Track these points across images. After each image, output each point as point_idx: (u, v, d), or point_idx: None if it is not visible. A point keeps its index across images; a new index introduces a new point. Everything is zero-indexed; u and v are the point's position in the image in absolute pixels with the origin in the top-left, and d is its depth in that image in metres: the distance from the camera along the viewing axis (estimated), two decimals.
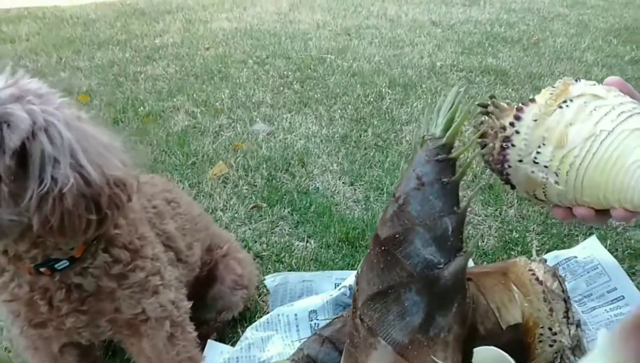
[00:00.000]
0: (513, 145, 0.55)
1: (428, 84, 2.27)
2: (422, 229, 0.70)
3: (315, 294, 1.00)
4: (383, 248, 0.72)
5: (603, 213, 0.51)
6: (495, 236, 1.28)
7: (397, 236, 0.71)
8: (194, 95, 2.19)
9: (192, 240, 0.86)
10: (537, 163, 0.53)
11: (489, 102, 0.66)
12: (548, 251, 1.18)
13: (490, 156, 0.61)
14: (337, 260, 1.19)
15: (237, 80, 2.39)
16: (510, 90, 2.19)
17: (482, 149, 0.63)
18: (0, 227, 0.55)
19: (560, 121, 0.51)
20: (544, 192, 0.54)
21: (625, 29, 3.20)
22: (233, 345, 0.93)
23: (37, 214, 0.55)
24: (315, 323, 0.92)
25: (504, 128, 0.57)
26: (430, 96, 2.13)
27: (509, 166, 0.57)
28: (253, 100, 2.16)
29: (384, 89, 2.21)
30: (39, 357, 0.76)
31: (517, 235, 1.27)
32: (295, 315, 0.92)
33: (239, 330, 0.98)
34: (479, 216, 1.36)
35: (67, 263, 0.65)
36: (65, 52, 2.85)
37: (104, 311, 0.69)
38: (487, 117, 0.65)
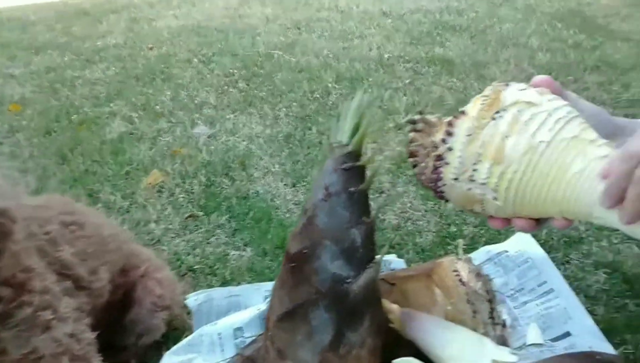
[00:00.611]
0: (447, 163, 0.53)
1: (375, 77, 2.25)
2: (329, 242, 0.67)
3: (245, 308, 0.97)
4: (292, 264, 0.69)
5: (542, 221, 0.51)
6: (434, 232, 1.27)
7: (305, 251, 0.68)
8: (133, 99, 2.10)
9: (97, 264, 0.80)
10: (473, 180, 0.51)
11: (417, 118, 0.63)
12: (485, 244, 1.18)
13: (422, 174, 0.59)
14: (274, 268, 1.16)
15: (180, 81, 2.30)
16: (455, 80, 2.19)
17: (413, 168, 0.61)
18: None
19: (495, 135, 0.49)
20: (481, 207, 0.53)
21: (569, 13, 3.25)
22: None
23: None
24: (241, 341, 0.89)
25: (435, 146, 0.55)
26: (376, 90, 2.11)
27: (444, 185, 0.55)
28: (196, 101, 2.09)
29: (330, 84, 2.17)
30: None
31: (455, 229, 1.27)
32: (219, 334, 0.88)
33: (163, 352, 0.93)
34: (419, 212, 1.35)
35: None
36: None
37: None
38: (416, 135, 0.62)
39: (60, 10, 3.96)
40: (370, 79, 2.23)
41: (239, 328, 0.89)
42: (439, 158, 0.54)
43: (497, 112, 0.51)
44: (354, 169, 0.71)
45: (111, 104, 2.04)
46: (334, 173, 0.70)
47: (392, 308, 0.78)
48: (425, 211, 1.35)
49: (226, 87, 2.22)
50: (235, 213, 1.36)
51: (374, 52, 2.60)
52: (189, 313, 1.01)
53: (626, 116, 1.95)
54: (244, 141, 1.76)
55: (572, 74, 2.26)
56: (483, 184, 0.50)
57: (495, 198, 0.50)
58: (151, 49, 2.78)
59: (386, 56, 2.53)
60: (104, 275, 0.82)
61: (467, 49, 2.62)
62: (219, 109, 2.01)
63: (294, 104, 2.01)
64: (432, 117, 0.61)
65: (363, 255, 0.68)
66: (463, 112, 0.54)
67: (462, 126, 0.52)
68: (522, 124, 0.49)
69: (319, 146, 1.70)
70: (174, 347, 0.86)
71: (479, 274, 0.85)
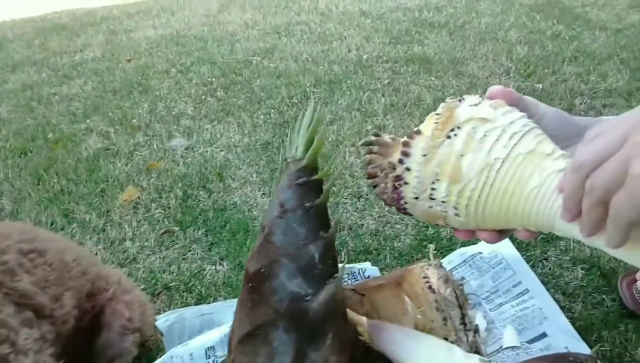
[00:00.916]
0: (406, 183, 0.53)
1: (353, 80, 2.24)
2: (286, 260, 0.66)
3: (218, 325, 0.95)
4: (250, 284, 0.68)
5: (505, 232, 0.51)
6: (412, 235, 1.26)
7: (262, 270, 0.66)
8: (110, 113, 2.08)
9: (60, 291, 0.79)
10: (433, 198, 0.51)
11: (373, 140, 0.61)
12: (461, 246, 1.17)
13: (383, 194, 0.58)
14: None
15: (158, 92, 2.29)
16: (433, 78, 2.18)
17: (374, 188, 0.59)
18: None
19: (451, 154, 0.49)
20: (445, 222, 0.53)
21: (547, 4, 3.26)
22: None
23: None
24: (213, 360, 0.87)
25: (393, 167, 0.54)
26: (355, 92, 2.10)
27: (405, 203, 0.54)
28: (173, 113, 2.07)
29: (308, 89, 2.16)
30: None
31: (432, 231, 1.26)
32: (191, 354, 0.87)
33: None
34: (397, 215, 1.34)
35: None
36: None
37: None
38: (372, 156, 0.60)
39: (37, 26, 3.92)
40: (349, 82, 2.22)
41: (211, 348, 0.88)
42: (398, 178, 0.53)
43: (452, 130, 0.50)
44: (309, 183, 0.69)
45: (87, 120, 2.02)
46: (289, 188, 0.69)
47: (361, 320, 0.77)
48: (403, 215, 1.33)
49: (204, 96, 2.20)
50: (212, 227, 1.35)
51: (353, 54, 2.59)
52: (162, 334, 1.00)
53: (604, 106, 1.95)
54: (221, 151, 1.74)
55: (550, 66, 2.26)
56: (443, 202, 0.50)
57: (456, 214, 0.50)
58: (129, 60, 2.76)
59: (365, 57, 2.53)
60: (68, 302, 0.81)
61: (446, 46, 2.62)
62: (197, 120, 1.99)
63: (272, 110, 2.00)
64: (387, 138, 0.60)
65: (322, 270, 0.66)
66: (418, 132, 0.53)
67: (418, 145, 0.52)
68: (477, 142, 0.48)
69: None
70: None
71: (447, 279, 0.84)
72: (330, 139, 1.75)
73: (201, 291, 1.12)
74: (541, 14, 3.07)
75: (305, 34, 3.05)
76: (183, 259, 1.24)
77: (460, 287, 0.86)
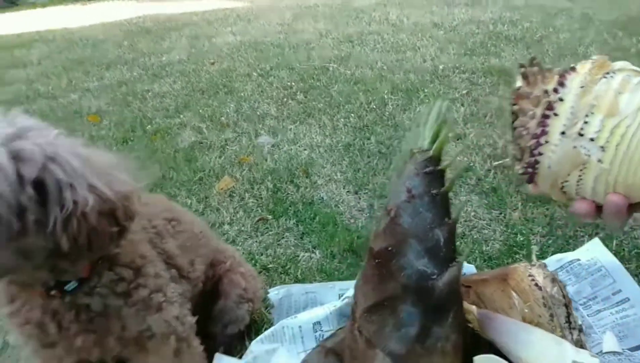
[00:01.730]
0: (556, 114, 0.50)
1: (431, 88, 2.28)
2: (414, 241, 0.72)
3: (320, 305, 1.02)
4: (377, 261, 0.74)
5: (633, 208, 0.48)
6: (500, 240, 1.28)
7: (389, 248, 0.73)
8: (200, 110, 2.24)
9: (194, 257, 0.88)
10: (582, 135, 0.48)
11: (528, 63, 0.56)
12: (553, 253, 1.18)
13: (524, 129, 0.53)
14: (343, 270, 1.21)
15: (242, 93, 2.43)
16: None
17: (514, 120, 0.55)
18: (31, 253, 0.59)
19: (609, 90, 0.48)
20: (579, 177, 0.50)
21: (630, 21, 3.16)
22: (240, 358, 0.95)
23: (65, 235, 0.59)
24: (320, 335, 0.94)
25: (547, 93, 0.51)
26: (433, 100, 2.13)
27: (546, 142, 0.51)
28: (258, 113, 2.19)
29: (386, 95, 2.22)
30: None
31: (521, 238, 1.27)
32: (300, 327, 0.94)
33: (246, 343, 1.00)
34: (484, 221, 1.36)
35: (76, 284, 0.69)
36: (75, 74, 2.93)
37: (111, 330, 0.72)
38: (524, 83, 0.54)
39: (125, 29, 4.24)
40: (426, 90, 2.26)
41: (318, 323, 0.95)
42: (549, 107, 0.51)
43: (608, 73, 0.51)
44: (435, 173, 0.75)
45: (180, 116, 2.18)
46: (417, 176, 0.75)
47: (470, 308, 0.81)
48: (490, 220, 1.36)
49: (285, 99, 2.32)
50: (302, 218, 1.43)
51: (428, 64, 2.63)
52: (267, 307, 1.08)
53: None
54: (305, 150, 1.83)
55: None
56: (592, 140, 0.48)
57: (600, 160, 0.48)
58: (213, 64, 2.94)
59: (441, 67, 2.56)
60: (199, 267, 0.90)
61: (524, 59, 2.60)
62: (280, 120, 2.10)
63: (352, 115, 2.07)
64: (544, 67, 0.59)
65: (445, 254, 0.72)
66: (573, 69, 0.53)
67: (575, 79, 0.51)
68: (633, 85, 0.49)
69: (378, 156, 1.74)
70: (260, 336, 0.93)
71: (554, 279, 0.87)
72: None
73: (297, 275, 1.20)
74: (624, 31, 2.98)
75: (378, 43, 3.13)
76: (278, 244, 1.33)
77: (565, 288, 0.89)
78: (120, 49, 3.54)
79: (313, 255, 1.28)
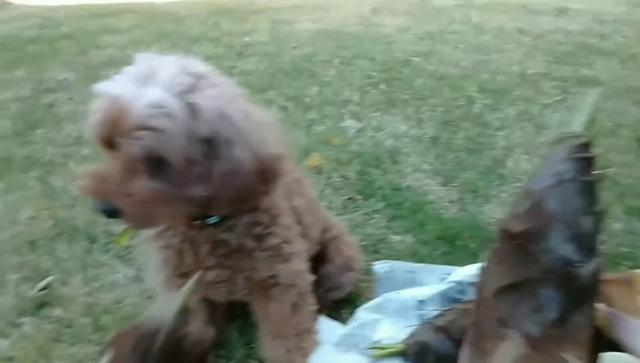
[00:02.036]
0: None
1: (520, 92, 2.22)
2: (560, 226, 0.70)
3: (418, 285, 1.02)
4: (515, 242, 0.73)
5: None
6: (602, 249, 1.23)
7: (531, 231, 0.71)
8: (284, 90, 2.28)
9: (312, 219, 0.90)
10: None
11: None
12: None
13: None
14: (435, 257, 1.20)
15: (324, 78, 2.45)
16: (610, 102, 2.09)
17: None
18: (191, 201, 0.62)
19: None
20: None
21: None
22: (345, 319, 0.97)
23: (221, 189, 0.62)
24: (423, 313, 0.94)
25: None
26: (524, 104, 2.08)
27: None
28: (340, 98, 2.20)
29: (473, 94, 2.18)
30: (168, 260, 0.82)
31: (625, 250, 1.22)
32: (404, 302, 0.94)
33: (343, 310, 1.02)
34: None
35: (218, 219, 0.72)
36: (164, 45, 3.05)
37: (242, 269, 0.75)
38: None
39: (207, 8, 4.36)
40: (516, 93, 2.20)
41: (422, 301, 0.95)
42: None
43: None
44: (586, 159, 0.73)
45: (266, 93, 2.23)
46: (567, 161, 0.73)
47: (598, 306, 0.79)
48: None
49: (368, 87, 2.32)
50: (391, 202, 1.43)
51: (515, 67, 2.56)
52: (377, 278, 1.08)
53: None
54: (389, 138, 1.83)
55: None
56: None
57: None
58: (295, 48, 2.98)
59: (529, 71, 2.48)
60: (315, 230, 0.92)
61: (618, 73, 2.49)
62: (363, 107, 2.11)
63: (438, 109, 2.05)
64: None
65: (592, 243, 0.70)
66: None
67: None
68: None
69: (466, 151, 1.72)
70: (365, 305, 0.94)
71: None
72: (500, 145, 1.76)
73: (388, 255, 1.20)
74: None
75: (460, 43, 3.07)
76: (367, 224, 1.34)
77: None
78: (204, 26, 3.65)
79: (404, 239, 1.27)
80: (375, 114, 2.04)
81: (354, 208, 1.41)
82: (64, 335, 0.99)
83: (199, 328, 0.60)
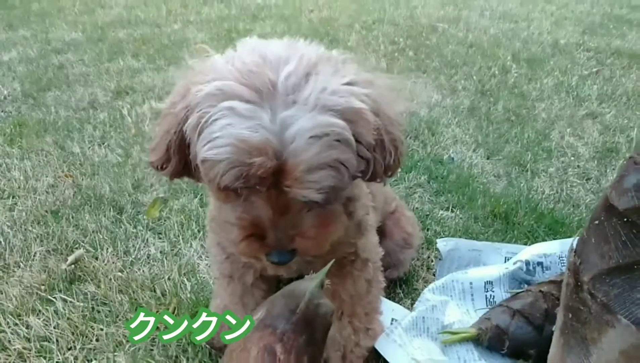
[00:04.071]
0: None
1: (555, 61, 2.11)
2: None
3: (483, 265, 0.95)
4: (625, 219, 0.65)
5: None
6: None
7: None
8: None
9: (376, 188, 0.82)
10: None
11: None
12: None
13: None
14: (489, 235, 1.12)
15: (347, 43, 2.32)
16: None
17: None
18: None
19: None
20: None
21: None
22: (400, 299, 0.91)
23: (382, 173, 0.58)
24: (490, 295, 0.87)
25: None
26: (560, 75, 1.98)
27: None
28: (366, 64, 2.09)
29: (507, 63, 2.08)
30: (231, 288, 0.76)
31: None
32: (471, 283, 0.88)
33: (399, 289, 0.95)
34: None
35: None
36: (173, 5, 2.89)
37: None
38: None
39: None
40: (551, 63, 2.10)
41: (489, 282, 0.88)
42: None
43: None
44: None
45: None
46: None
47: None
48: None
49: (395, 54, 2.20)
50: (434, 175, 1.35)
51: (546, 37, 2.45)
52: (441, 257, 1.00)
53: None
54: (423, 107, 1.73)
55: None
56: None
57: None
58: (312, 11, 2.83)
59: (562, 41, 2.37)
60: (380, 199, 0.84)
61: None
62: (393, 74, 2.00)
63: (473, 78, 1.94)
64: None
65: None
66: None
67: None
68: None
69: (507, 123, 1.63)
70: (430, 286, 0.87)
71: None
72: (542, 117, 1.67)
73: (439, 232, 1.13)
74: None
75: (485, 10, 2.94)
76: (411, 198, 1.26)
77: None
78: None
79: (452, 215, 1.20)
80: (406, 82, 1.93)
81: (395, 181, 1.33)
82: (100, 313, 0.92)
83: (328, 302, 0.60)
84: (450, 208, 1.22)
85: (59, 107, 1.74)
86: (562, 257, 0.93)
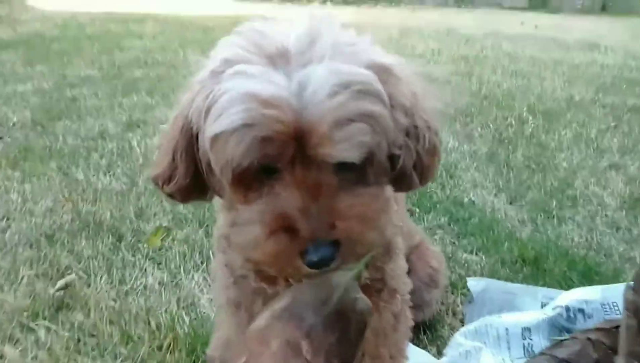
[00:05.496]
0: None
1: (572, 115, 2.09)
2: None
3: (517, 310, 0.85)
4: None
5: None
6: None
7: None
8: None
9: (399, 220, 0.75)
10: None
11: None
12: None
13: None
14: (518, 280, 1.03)
15: None
16: None
17: None
18: None
19: None
20: None
21: None
22: (424, 347, 0.80)
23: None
24: (528, 343, 0.77)
25: None
26: (579, 127, 1.95)
27: None
28: None
29: (524, 114, 2.05)
30: (238, 318, 0.66)
31: None
32: (507, 329, 0.78)
33: (422, 335, 0.84)
34: None
35: None
36: (191, 50, 2.96)
37: None
38: None
39: (234, 22, 4.31)
40: (568, 116, 2.07)
41: (527, 329, 0.78)
42: None
43: None
44: None
45: None
46: None
47: None
48: None
49: None
50: (455, 218, 1.27)
51: (560, 93, 2.45)
52: (471, 299, 0.90)
53: None
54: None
55: None
56: None
57: None
58: None
59: (577, 97, 2.36)
60: (404, 227, 0.76)
61: None
62: None
63: (490, 126, 1.91)
64: None
65: None
66: None
67: None
68: None
69: (527, 170, 1.57)
70: (462, 330, 0.77)
71: None
72: (563, 166, 1.61)
73: (463, 276, 1.03)
74: None
75: (496, 67, 2.97)
76: (432, 239, 1.17)
77: None
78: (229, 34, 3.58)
79: (477, 258, 1.11)
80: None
81: (414, 221, 1.25)
82: (86, 345, 0.82)
83: (365, 299, 0.49)
84: (475, 251, 1.14)
85: (67, 136, 1.70)
86: (604, 305, 0.83)
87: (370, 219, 0.46)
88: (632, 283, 0.62)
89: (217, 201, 0.63)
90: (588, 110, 2.19)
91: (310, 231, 0.43)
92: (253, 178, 0.46)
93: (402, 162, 0.49)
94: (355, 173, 0.47)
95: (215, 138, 0.44)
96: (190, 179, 0.51)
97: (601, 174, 1.56)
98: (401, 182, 0.52)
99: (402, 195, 0.74)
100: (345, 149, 0.42)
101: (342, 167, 0.45)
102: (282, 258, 0.45)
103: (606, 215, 1.33)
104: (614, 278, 1.01)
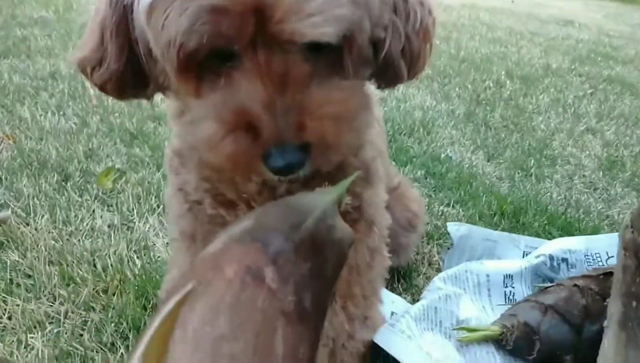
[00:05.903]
0: None
1: (549, 81, 2.06)
2: None
3: (497, 258, 0.80)
4: None
5: None
6: None
7: None
8: None
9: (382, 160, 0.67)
10: None
11: None
12: None
13: None
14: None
15: None
16: None
17: None
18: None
19: None
20: None
21: None
22: (398, 295, 0.74)
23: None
24: (510, 291, 0.72)
25: None
26: (556, 92, 1.92)
27: None
28: None
29: (502, 78, 2.01)
30: (192, 252, 0.57)
31: None
32: (487, 276, 0.72)
33: (396, 283, 0.79)
34: None
35: None
36: None
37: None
38: None
39: None
40: (545, 81, 2.04)
41: (509, 276, 0.73)
42: None
43: None
44: None
45: None
46: None
47: None
48: None
49: None
50: (431, 172, 1.21)
51: (537, 60, 2.42)
52: (451, 244, 0.85)
53: None
54: (416, 110, 1.61)
55: None
56: None
57: None
58: None
59: (554, 65, 2.34)
60: (386, 164, 0.69)
61: None
62: None
63: (468, 87, 1.86)
64: None
65: None
66: None
67: None
68: None
69: (505, 130, 1.53)
70: (441, 275, 0.71)
71: None
72: (541, 127, 1.58)
73: (439, 226, 0.98)
74: None
75: (475, 35, 2.92)
76: None
77: None
78: None
79: (454, 211, 1.05)
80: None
81: None
82: (19, 287, 0.72)
83: (347, 227, 0.39)
84: (452, 204, 1.08)
85: (13, 74, 1.54)
86: (587, 256, 0.79)
87: (347, 119, 0.39)
88: (629, 222, 0.57)
89: (169, 112, 0.54)
90: (565, 78, 2.17)
91: (274, 132, 0.36)
92: (205, 66, 0.37)
93: (387, 47, 0.41)
94: (330, 59, 0.38)
95: (152, 8, 0.35)
96: (124, 64, 0.41)
97: (578, 136, 1.54)
98: (386, 74, 0.44)
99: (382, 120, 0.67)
100: (318, 24, 0.34)
101: (315, 50, 0.37)
102: (241, 162, 0.38)
103: (584, 175, 1.30)
104: (594, 234, 0.98)
